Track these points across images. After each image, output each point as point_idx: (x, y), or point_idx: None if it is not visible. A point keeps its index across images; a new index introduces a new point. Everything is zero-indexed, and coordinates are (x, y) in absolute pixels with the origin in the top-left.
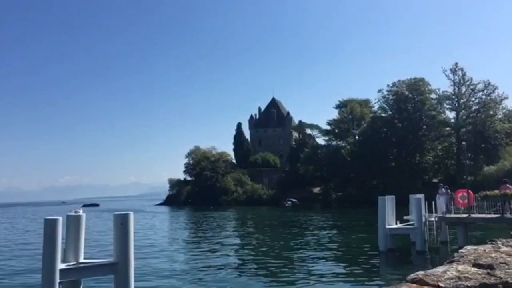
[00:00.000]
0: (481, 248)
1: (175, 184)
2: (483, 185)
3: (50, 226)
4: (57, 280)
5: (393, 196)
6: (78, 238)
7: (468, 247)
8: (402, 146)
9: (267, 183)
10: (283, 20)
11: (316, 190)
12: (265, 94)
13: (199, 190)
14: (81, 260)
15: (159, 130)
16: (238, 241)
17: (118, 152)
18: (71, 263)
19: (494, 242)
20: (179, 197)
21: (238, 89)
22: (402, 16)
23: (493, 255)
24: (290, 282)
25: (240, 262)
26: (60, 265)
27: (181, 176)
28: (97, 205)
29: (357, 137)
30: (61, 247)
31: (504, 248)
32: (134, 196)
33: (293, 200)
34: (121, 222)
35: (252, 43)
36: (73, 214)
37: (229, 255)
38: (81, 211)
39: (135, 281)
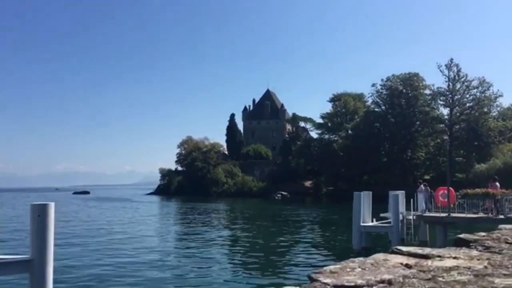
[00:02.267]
0: None
1: (166, 174)
2: (474, 183)
3: None
4: None
5: (370, 192)
6: None
7: None
8: (394, 141)
9: (258, 175)
10: (279, 12)
11: (308, 184)
12: (260, 86)
13: (190, 181)
14: None
15: (153, 119)
16: (216, 235)
17: (114, 141)
18: None
19: None
20: (170, 187)
21: (233, 80)
22: (399, 10)
23: None
24: (250, 278)
25: (211, 256)
26: None
27: (173, 166)
28: (87, 192)
29: (350, 131)
30: None
31: None
32: (129, 184)
33: (283, 193)
34: (39, 213)
35: (248, 34)
36: None
37: (204, 249)
38: None
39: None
